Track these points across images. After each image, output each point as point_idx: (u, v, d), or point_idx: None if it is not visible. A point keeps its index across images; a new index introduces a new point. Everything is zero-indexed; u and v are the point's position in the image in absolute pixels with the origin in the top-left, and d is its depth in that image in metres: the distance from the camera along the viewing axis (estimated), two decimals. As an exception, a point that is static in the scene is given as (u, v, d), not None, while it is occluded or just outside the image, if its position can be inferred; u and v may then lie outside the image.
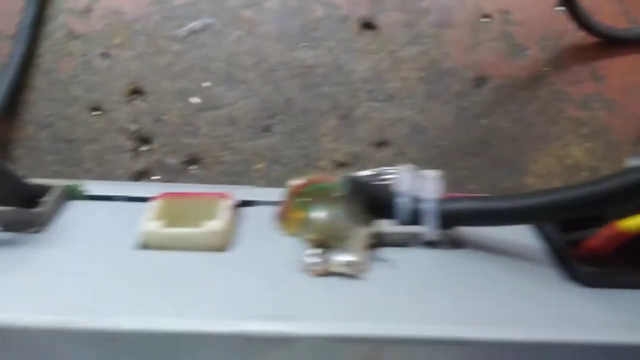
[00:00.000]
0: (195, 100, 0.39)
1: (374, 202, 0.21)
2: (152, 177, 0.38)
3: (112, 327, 0.16)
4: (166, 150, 0.38)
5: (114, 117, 0.38)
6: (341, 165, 0.39)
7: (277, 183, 0.38)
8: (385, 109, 0.40)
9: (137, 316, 0.17)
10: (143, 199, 0.22)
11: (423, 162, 0.39)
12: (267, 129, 0.39)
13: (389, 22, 0.42)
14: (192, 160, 0.38)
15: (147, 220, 0.20)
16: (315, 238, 0.20)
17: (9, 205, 0.20)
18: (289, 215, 0.21)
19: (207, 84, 0.39)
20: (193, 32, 0.40)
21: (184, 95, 0.39)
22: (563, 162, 0.40)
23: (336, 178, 0.21)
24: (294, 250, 0.20)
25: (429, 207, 0.20)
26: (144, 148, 0.38)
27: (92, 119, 0.38)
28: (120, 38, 0.40)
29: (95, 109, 0.38)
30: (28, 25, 0.37)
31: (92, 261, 0.19)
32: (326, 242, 0.20)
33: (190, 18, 0.41)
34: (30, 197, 0.21)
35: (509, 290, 0.19)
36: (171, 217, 0.21)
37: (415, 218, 0.21)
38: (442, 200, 0.21)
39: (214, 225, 0.20)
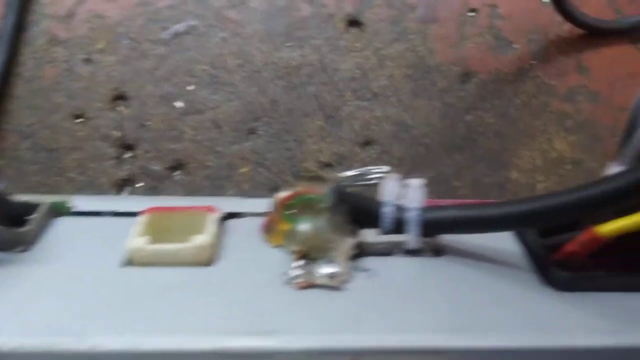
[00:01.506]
0: (179, 104, 0.39)
1: (359, 211, 0.21)
2: (137, 184, 0.37)
3: (94, 348, 0.16)
4: (150, 157, 0.38)
5: (97, 124, 0.38)
6: (326, 166, 0.39)
7: (263, 186, 0.38)
8: (370, 107, 0.40)
9: (118, 336, 0.17)
10: (131, 214, 0.22)
11: (408, 161, 0.40)
12: (252, 132, 0.39)
13: (375, 19, 0.42)
14: (177, 166, 0.38)
15: (133, 237, 0.20)
16: (299, 250, 0.20)
17: (-6, 224, 0.20)
18: (275, 227, 0.21)
19: (191, 87, 0.39)
20: (177, 34, 0.40)
21: (168, 99, 0.39)
22: (547, 156, 0.40)
23: (322, 189, 0.21)
24: (280, 263, 0.20)
25: (412, 215, 0.20)
26: (128, 155, 0.38)
27: (75, 127, 0.38)
28: (104, 43, 0.39)
29: (78, 116, 0.38)
30: (9, 33, 0.37)
31: (78, 280, 0.19)
32: (310, 254, 0.20)
33: (174, 20, 0.40)
34: (17, 215, 0.21)
35: (486, 296, 0.19)
36: (158, 232, 0.21)
37: (398, 227, 0.21)
38: (425, 209, 0.21)
39: (200, 240, 0.20)
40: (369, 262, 0.20)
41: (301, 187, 0.20)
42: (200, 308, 0.18)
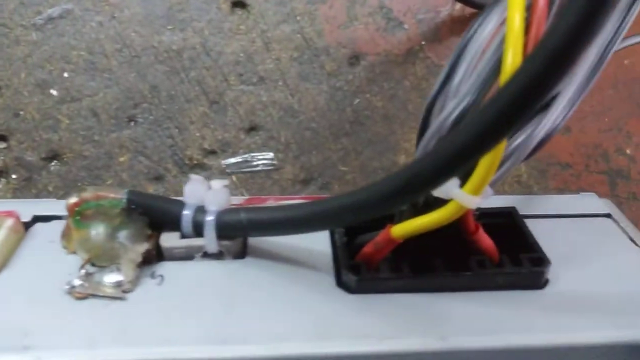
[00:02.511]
0: (54, 92, 0.37)
1: (159, 215, 0.21)
2: (11, 176, 0.37)
3: None
4: (25, 147, 0.37)
5: (-32, 114, 0.37)
6: (210, 153, 0.38)
7: (143, 176, 0.38)
8: (256, 92, 0.39)
9: None
10: None
11: (295, 146, 0.39)
12: (131, 119, 0.38)
13: (260, -1, 0.40)
14: (53, 156, 0.37)
15: None
16: (86, 257, 0.19)
17: None
18: (70, 233, 0.20)
19: (67, 74, 0.38)
20: (51, 19, 0.38)
21: (42, 87, 0.37)
22: (437, 140, 0.40)
23: (117, 194, 0.20)
24: (70, 271, 0.19)
25: (208, 219, 0.20)
26: (1, 146, 0.37)
27: (-55, 117, 0.36)
28: (-29, 29, 0.38)
29: (-53, 106, 0.37)
30: None
31: None
32: (99, 261, 0.19)
33: (48, 4, 0.39)
34: None
35: (273, 302, 0.19)
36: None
37: (199, 230, 0.20)
38: (222, 212, 0.20)
39: (-17, 249, 0.19)
40: (165, 268, 0.20)
41: (90, 193, 0.20)
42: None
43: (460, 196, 0.18)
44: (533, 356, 0.18)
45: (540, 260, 0.20)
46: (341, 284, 0.19)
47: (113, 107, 0.38)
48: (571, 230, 0.23)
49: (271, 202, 0.23)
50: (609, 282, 0.20)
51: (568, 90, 0.19)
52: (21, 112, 0.37)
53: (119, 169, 0.37)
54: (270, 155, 0.38)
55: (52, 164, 0.37)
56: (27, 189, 0.37)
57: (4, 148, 0.37)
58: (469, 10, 0.41)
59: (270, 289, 0.19)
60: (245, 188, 0.38)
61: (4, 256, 0.20)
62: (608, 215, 0.24)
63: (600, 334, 0.18)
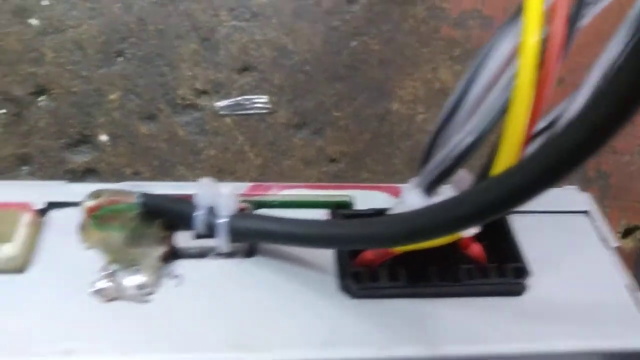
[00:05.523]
0: (34, 22, 0.35)
1: (172, 217, 0.22)
2: (1, 110, 0.36)
3: None
4: (9, 81, 0.35)
5: (-57, 43, 0.34)
6: (202, 93, 0.38)
7: (135, 115, 0.37)
8: (249, 29, 0.37)
9: None
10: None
11: (288, 89, 0.39)
12: (119, 54, 0.36)
13: None
14: (40, 91, 0.36)
15: None
16: (108, 259, 0.21)
17: None
18: (88, 230, 0.21)
19: (46, 2, 0.35)
20: None
21: (20, 16, 0.35)
22: (430, 87, 0.40)
23: (132, 198, 0.21)
24: (91, 269, 0.21)
25: (221, 222, 0.21)
26: (-16, 79, 0.35)
27: None
28: None
29: None
30: None
31: None
32: (120, 263, 0.21)
33: None
34: None
35: (278, 305, 0.20)
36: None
37: (211, 231, 0.21)
38: (234, 217, 0.21)
39: (8, 249, 0.20)
40: (182, 266, 0.21)
41: (106, 198, 0.20)
42: (2, 323, 0.19)
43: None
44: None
45: (521, 271, 0.22)
46: (344, 287, 0.21)
47: (99, 41, 0.36)
48: (550, 229, 0.25)
49: (274, 191, 0.24)
50: (579, 289, 0.23)
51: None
52: (1, 43, 0.35)
53: (110, 107, 0.37)
54: (264, 99, 0.38)
55: (40, 99, 0.36)
56: (17, 124, 0.36)
57: (-13, 81, 0.35)
58: (477, -53, 0.39)
59: (276, 293, 0.21)
60: (239, 130, 0.38)
61: (26, 254, 0.21)
62: (585, 212, 0.26)
63: (569, 343, 0.21)
